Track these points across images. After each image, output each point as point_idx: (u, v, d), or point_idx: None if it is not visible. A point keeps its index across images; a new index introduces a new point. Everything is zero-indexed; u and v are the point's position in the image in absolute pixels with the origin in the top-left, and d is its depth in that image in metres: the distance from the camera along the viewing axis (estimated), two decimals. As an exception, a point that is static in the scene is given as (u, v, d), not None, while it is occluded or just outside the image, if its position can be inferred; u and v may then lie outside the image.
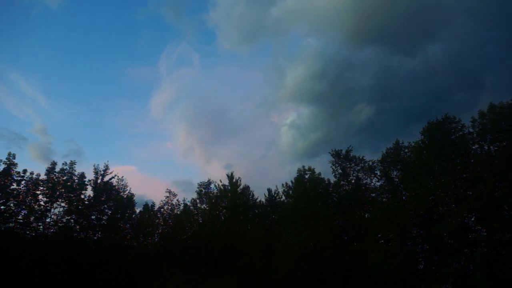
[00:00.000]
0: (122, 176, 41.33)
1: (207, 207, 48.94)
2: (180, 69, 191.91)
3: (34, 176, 35.40)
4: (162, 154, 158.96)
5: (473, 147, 31.37)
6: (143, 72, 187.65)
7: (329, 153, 42.31)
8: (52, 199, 35.59)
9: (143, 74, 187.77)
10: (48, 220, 35.65)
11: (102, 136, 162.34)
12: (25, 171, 34.71)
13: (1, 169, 33.60)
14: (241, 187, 49.61)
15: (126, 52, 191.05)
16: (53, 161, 37.32)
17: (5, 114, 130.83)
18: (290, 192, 44.95)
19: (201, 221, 47.41)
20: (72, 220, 36.46)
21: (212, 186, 50.39)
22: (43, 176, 36.03)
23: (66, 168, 37.47)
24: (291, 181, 45.06)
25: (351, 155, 41.40)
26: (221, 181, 49.90)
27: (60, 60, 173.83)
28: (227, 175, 49.85)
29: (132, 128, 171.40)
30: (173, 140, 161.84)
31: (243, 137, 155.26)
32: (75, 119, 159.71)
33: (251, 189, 50.89)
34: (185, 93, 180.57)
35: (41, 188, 35.44)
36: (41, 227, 35.57)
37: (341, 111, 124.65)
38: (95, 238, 38.22)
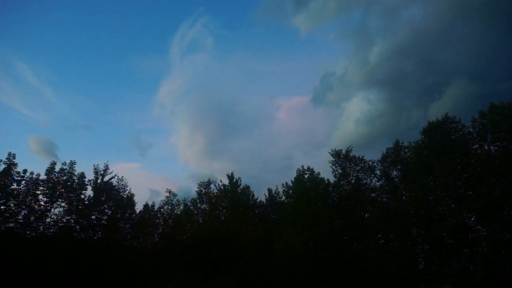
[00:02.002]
0: (122, 176, 41.43)
1: (207, 207, 48.95)
2: (191, 56, 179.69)
3: (34, 176, 35.44)
4: (168, 150, 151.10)
5: (473, 147, 31.36)
6: (152, 61, 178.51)
7: (329, 153, 42.40)
8: (52, 199, 35.57)
9: (152, 63, 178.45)
10: (48, 220, 35.62)
11: (105, 131, 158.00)
12: (25, 171, 34.75)
13: (1, 169, 33.63)
14: (241, 187, 49.67)
15: (134, 42, 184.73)
16: (53, 161, 37.39)
17: (9, 106, 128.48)
18: (290, 192, 44.98)
19: (201, 221, 47.42)
20: (72, 220, 36.43)
21: (212, 186, 50.49)
22: (43, 176, 36.10)
23: (66, 168, 37.50)
24: (291, 181, 45.13)
25: (351, 155, 41.43)
26: (221, 181, 50.03)
27: (65, 50, 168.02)
28: (227, 175, 49.92)
29: (136, 123, 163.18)
30: (180, 136, 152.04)
31: (265, 130, 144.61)
32: (79, 113, 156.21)
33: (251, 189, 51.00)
34: (196, 84, 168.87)
35: (41, 188, 35.43)
36: (41, 227, 35.52)
37: (419, 97, 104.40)
38: (95, 238, 38.13)
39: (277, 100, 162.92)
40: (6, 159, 34.12)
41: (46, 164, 37.29)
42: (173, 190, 48.51)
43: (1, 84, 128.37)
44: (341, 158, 41.58)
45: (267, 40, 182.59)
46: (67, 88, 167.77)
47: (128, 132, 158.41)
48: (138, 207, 43.75)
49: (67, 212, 36.20)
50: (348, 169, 41.06)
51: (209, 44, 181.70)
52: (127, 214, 40.47)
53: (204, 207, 49.27)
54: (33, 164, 55.56)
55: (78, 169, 38.27)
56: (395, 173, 38.13)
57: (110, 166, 40.25)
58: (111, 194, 39.29)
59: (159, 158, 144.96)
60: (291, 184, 45.23)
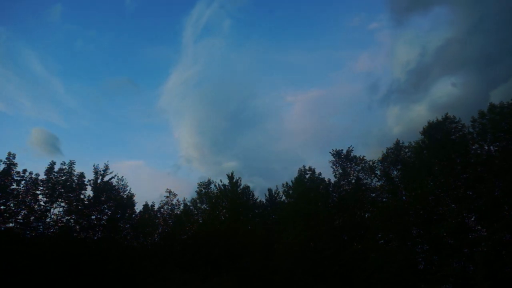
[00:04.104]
0: (122, 176, 41.45)
1: (207, 207, 48.96)
2: (206, 41, 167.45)
3: (33, 176, 35.44)
4: (171, 148, 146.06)
5: (473, 147, 31.36)
6: (162, 47, 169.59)
7: (330, 152, 42.35)
8: (52, 199, 35.57)
9: (162, 50, 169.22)
10: (48, 220, 35.62)
11: (107, 128, 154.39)
12: (24, 171, 34.75)
13: (1, 169, 33.61)
14: (241, 187, 49.67)
15: (144, 26, 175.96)
16: (52, 161, 37.39)
17: (12, 99, 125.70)
18: (290, 192, 44.96)
19: (201, 221, 47.42)
20: (72, 220, 36.44)
21: (212, 186, 50.50)
22: (42, 176, 36.11)
23: (66, 168, 37.48)
24: (291, 181, 45.12)
25: (352, 155, 41.41)
26: (221, 181, 50.04)
27: (68, 40, 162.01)
28: (227, 175, 49.92)
29: (140, 119, 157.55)
30: (186, 132, 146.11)
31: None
32: (81, 109, 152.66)
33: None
34: (209, 73, 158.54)
35: (41, 188, 35.43)
36: (41, 227, 35.53)
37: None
38: (95, 238, 38.14)
39: (304, 92, 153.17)
40: (6, 159, 34.14)
41: (50, 159, 37.46)
42: (177, 186, 48.70)
43: (5, 74, 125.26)
44: (342, 158, 41.56)
45: (291, 25, 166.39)
46: (71, 81, 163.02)
47: (131, 129, 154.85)
48: (138, 207, 43.85)
49: (67, 212, 36.19)
50: (349, 169, 41.05)
51: (226, 28, 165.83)
52: (127, 214, 40.45)
53: (204, 207, 49.30)
54: (35, 158, 54.97)
55: (79, 166, 38.79)
56: (395, 173, 38.13)
57: (112, 164, 40.53)
58: (111, 194, 39.28)
59: (161, 156, 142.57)
60: (291, 184, 45.24)
